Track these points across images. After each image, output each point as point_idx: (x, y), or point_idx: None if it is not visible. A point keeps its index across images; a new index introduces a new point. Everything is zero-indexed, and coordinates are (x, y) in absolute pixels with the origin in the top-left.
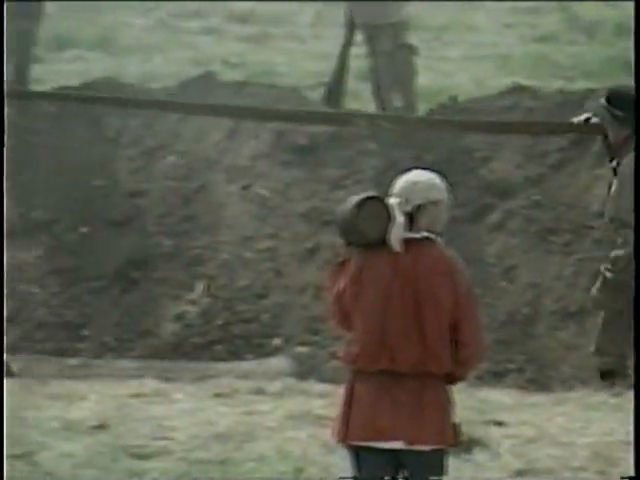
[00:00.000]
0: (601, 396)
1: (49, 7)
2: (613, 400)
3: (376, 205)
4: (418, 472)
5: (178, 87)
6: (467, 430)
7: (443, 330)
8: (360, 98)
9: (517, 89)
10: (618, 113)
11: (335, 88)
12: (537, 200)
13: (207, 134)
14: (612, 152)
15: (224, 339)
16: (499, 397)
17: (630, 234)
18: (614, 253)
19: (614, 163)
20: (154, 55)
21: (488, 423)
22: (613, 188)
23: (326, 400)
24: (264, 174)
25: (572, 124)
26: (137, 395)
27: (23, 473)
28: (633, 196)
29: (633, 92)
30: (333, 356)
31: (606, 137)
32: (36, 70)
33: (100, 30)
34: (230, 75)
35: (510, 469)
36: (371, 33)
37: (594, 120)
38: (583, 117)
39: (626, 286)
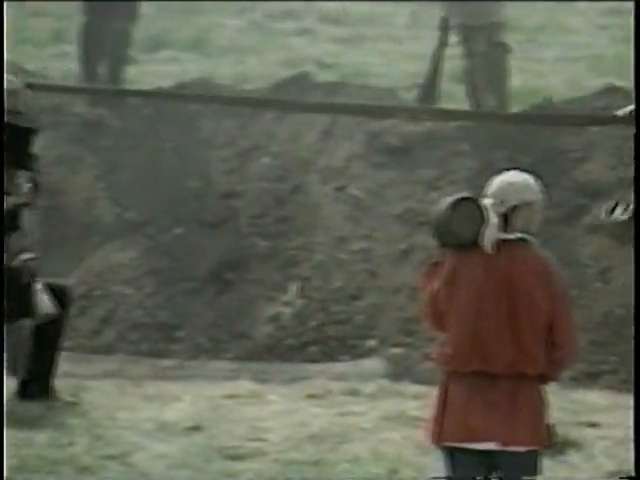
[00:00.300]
0: None
1: (145, 7)
2: None
3: (470, 206)
4: (512, 473)
5: (272, 88)
6: (561, 431)
7: (538, 331)
8: (455, 99)
9: (611, 90)
10: None
11: (429, 89)
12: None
13: (301, 135)
14: None
15: (318, 340)
16: (593, 398)
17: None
18: (620, 212)
19: None
20: (248, 56)
21: (582, 424)
22: None
23: (420, 401)
24: (358, 175)
25: (616, 116)
26: (231, 396)
27: (117, 474)
28: None
29: None
30: (427, 357)
31: None
32: (130, 71)
33: (194, 31)
34: (324, 76)
35: (604, 470)
36: (467, 34)
37: None
38: (629, 109)
39: (621, 238)
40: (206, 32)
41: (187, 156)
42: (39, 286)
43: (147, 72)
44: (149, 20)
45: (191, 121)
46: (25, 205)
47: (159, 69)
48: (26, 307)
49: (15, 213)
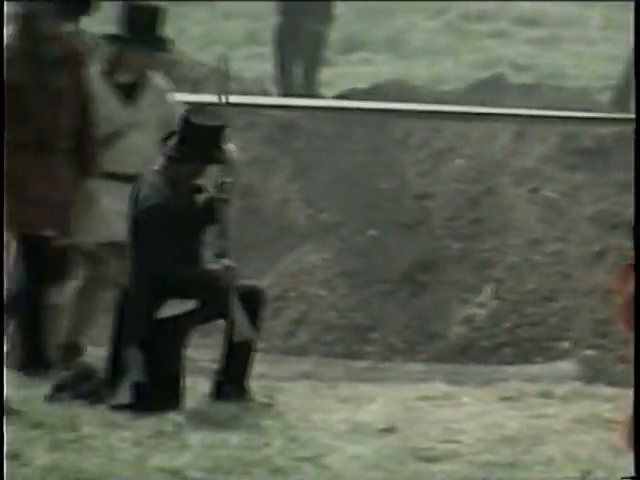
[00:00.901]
0: None
1: (340, 8)
2: None
3: None
4: None
5: (468, 90)
6: None
7: None
8: None
9: None
10: None
11: (624, 91)
12: None
13: (495, 137)
14: None
15: (512, 342)
16: None
17: None
18: None
19: None
20: (443, 57)
21: None
22: None
23: (614, 404)
24: (552, 177)
25: None
26: (425, 398)
27: (311, 476)
28: None
29: None
30: (621, 359)
31: None
32: (325, 73)
33: (389, 32)
34: (519, 78)
35: None
36: None
37: None
38: None
39: None
40: (401, 33)
41: (380, 157)
42: (237, 302)
43: (341, 74)
44: (344, 21)
45: (384, 122)
46: (222, 200)
47: (353, 71)
48: (220, 310)
49: (210, 206)
